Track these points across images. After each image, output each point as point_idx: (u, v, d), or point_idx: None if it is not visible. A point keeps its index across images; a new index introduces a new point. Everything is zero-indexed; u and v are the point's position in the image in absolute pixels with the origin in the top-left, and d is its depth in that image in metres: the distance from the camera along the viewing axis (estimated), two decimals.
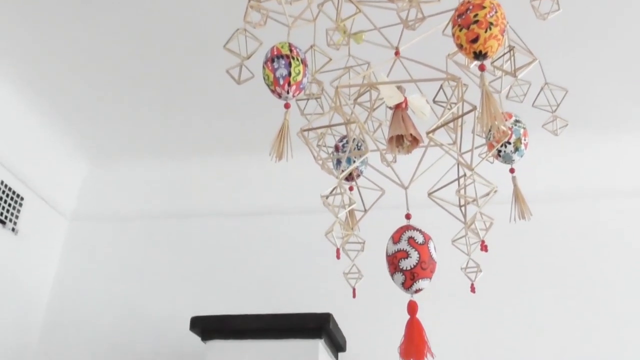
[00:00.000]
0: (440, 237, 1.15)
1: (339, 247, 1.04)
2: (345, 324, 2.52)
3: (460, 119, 1.03)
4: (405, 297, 1.02)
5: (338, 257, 1.03)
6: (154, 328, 2.84)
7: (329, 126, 1.10)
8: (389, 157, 1.19)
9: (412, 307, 0.97)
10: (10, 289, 2.73)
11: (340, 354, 2.61)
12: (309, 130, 1.06)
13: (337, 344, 2.45)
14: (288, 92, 1.04)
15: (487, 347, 2.61)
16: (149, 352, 2.79)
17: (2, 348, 2.65)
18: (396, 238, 0.99)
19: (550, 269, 2.72)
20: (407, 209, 1.05)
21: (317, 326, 2.17)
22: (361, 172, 1.29)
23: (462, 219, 1.11)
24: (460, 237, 1.16)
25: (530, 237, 2.75)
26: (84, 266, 3.09)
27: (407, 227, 1.00)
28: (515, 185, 1.19)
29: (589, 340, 2.56)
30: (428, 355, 0.94)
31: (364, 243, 1.23)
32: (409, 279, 0.96)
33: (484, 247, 1.08)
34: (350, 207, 1.05)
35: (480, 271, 1.18)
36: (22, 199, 2.83)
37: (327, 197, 0.99)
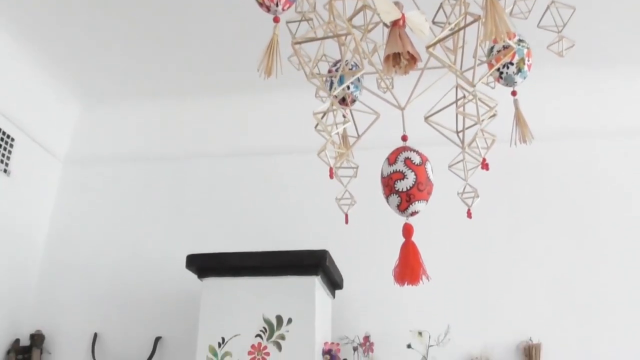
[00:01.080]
0: (436, 165, 1.11)
1: (332, 166, 0.99)
2: (342, 263, 2.52)
3: (461, 34, 0.97)
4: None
5: (331, 176, 0.99)
6: (151, 268, 2.85)
7: (322, 38, 1.03)
8: (387, 80, 1.13)
9: (407, 230, 0.94)
10: (6, 229, 2.72)
11: (337, 292, 2.62)
12: (301, 42, 0.99)
13: (333, 282, 2.45)
14: (277, 5, 0.97)
15: (482, 272, 2.63)
16: (146, 291, 2.81)
17: (1, 288, 2.65)
18: (392, 159, 0.95)
19: (543, 203, 2.73)
20: (404, 130, 1.01)
21: (313, 263, 2.16)
22: (356, 97, 1.24)
23: (460, 144, 1.07)
24: (458, 162, 1.12)
25: (525, 174, 2.75)
26: (79, 208, 3.07)
27: (404, 148, 0.96)
28: (517, 108, 1.14)
29: (581, 272, 2.58)
30: (423, 277, 0.91)
31: (357, 168, 1.19)
32: (405, 201, 0.93)
33: (484, 166, 1.04)
34: (344, 125, 1.00)
35: (477, 196, 1.15)
36: (12, 139, 2.78)
37: (320, 114, 0.94)
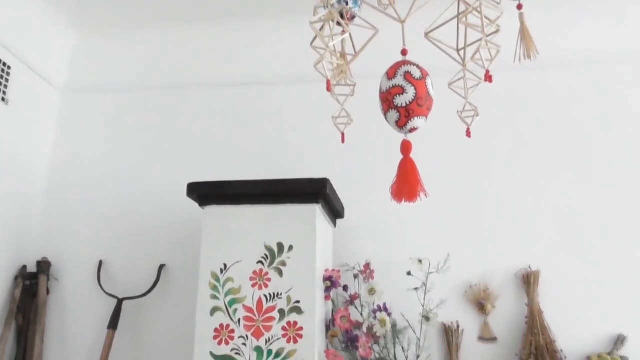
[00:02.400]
0: (436, 84, 1.08)
1: (329, 78, 0.96)
2: (343, 192, 2.53)
3: None
4: None
5: (328, 89, 0.96)
6: (154, 196, 2.86)
7: None
8: None
9: (405, 147, 0.92)
10: (7, 158, 2.71)
11: (338, 221, 2.64)
12: None
13: (334, 210, 2.46)
14: None
15: (483, 200, 2.64)
16: (150, 220, 2.83)
17: (4, 219, 2.68)
18: (391, 73, 0.92)
19: (548, 131, 2.70)
20: (404, 44, 0.96)
21: (314, 191, 2.16)
22: (355, 13, 1.19)
23: (460, 61, 1.03)
24: (458, 80, 1.08)
25: (532, 101, 2.71)
26: (79, 138, 3.06)
27: (404, 62, 0.92)
28: (522, 22, 1.09)
29: (582, 201, 2.58)
30: (421, 194, 0.90)
31: (354, 86, 1.15)
32: (404, 117, 0.90)
33: (488, 78, 1.00)
34: (343, 37, 0.96)
35: (477, 115, 1.12)
36: (9, 67, 2.73)
37: (316, 23, 0.90)
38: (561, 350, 2.38)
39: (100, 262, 2.82)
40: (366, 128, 2.69)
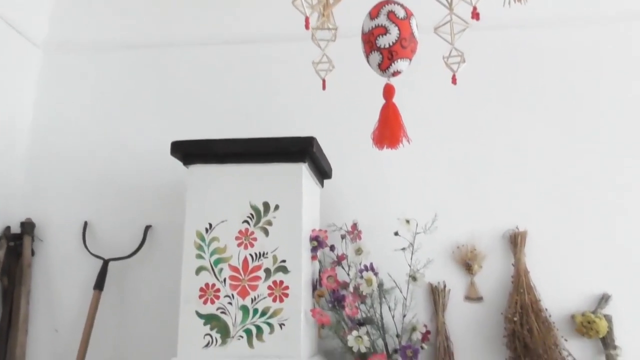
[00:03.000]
0: (421, 27, 1.03)
1: (308, 16, 0.91)
2: (331, 152, 2.49)
3: None
4: None
5: (307, 27, 0.91)
6: (138, 156, 2.82)
7: None
8: None
9: (388, 91, 0.88)
10: None
11: (325, 181, 2.61)
12: None
13: (321, 170, 2.43)
14: None
15: (471, 160, 2.63)
16: (135, 180, 2.79)
17: None
18: (374, 13, 0.87)
19: (537, 90, 2.68)
20: None
21: (300, 149, 2.12)
22: None
23: (447, 4, 0.98)
24: (444, 24, 1.03)
25: (521, 60, 2.68)
26: (62, 96, 2.98)
27: (387, 1, 0.88)
28: None
29: (570, 162, 2.57)
30: (403, 140, 0.86)
31: (335, 30, 1.10)
32: (387, 59, 0.86)
33: (475, 15, 0.95)
34: None
35: (464, 61, 1.08)
36: None
37: None
38: (546, 309, 2.39)
39: (86, 223, 2.79)
40: (354, 88, 2.65)
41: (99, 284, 2.63)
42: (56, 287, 2.74)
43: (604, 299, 2.41)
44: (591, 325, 2.32)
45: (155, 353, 2.09)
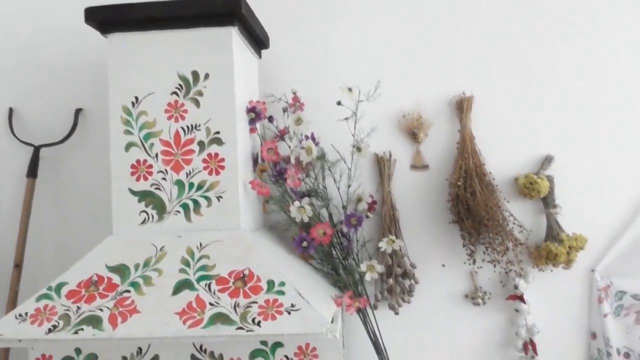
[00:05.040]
0: None
1: None
2: (268, 22, 2.33)
3: None
4: None
5: None
6: (57, 34, 2.59)
7: None
8: None
9: None
10: None
11: (263, 52, 2.46)
12: None
13: (256, 38, 2.27)
14: None
15: (415, 23, 2.51)
16: (57, 60, 2.60)
17: None
18: None
19: None
20: None
21: (227, 11, 1.95)
22: None
23: None
24: None
25: None
26: None
27: None
28: None
29: (521, 28, 2.47)
30: None
31: None
32: None
33: None
34: None
35: None
36: None
37: None
38: (490, 173, 2.39)
39: (11, 110, 2.61)
40: None
41: (32, 172, 2.51)
42: None
43: (547, 160, 2.42)
44: (533, 185, 2.33)
45: (94, 235, 2.02)
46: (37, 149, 2.53)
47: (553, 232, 2.34)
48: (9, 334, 1.69)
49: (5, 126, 2.60)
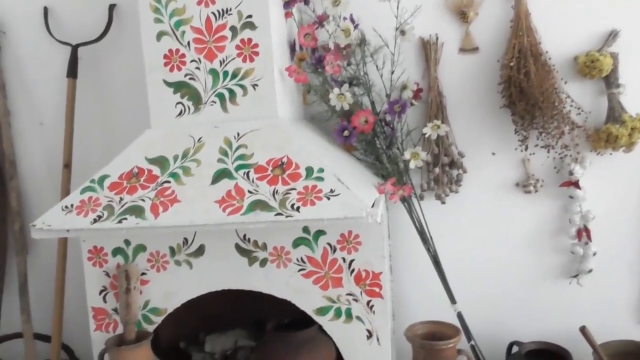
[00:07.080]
0: None
1: None
2: None
3: None
4: None
5: None
6: None
7: None
8: None
9: None
10: None
11: None
12: None
13: None
14: None
15: None
16: None
17: None
18: None
19: None
20: None
21: None
22: None
23: None
24: None
25: None
26: None
27: None
28: None
29: None
30: None
31: None
32: None
33: None
34: None
35: None
36: None
37: None
38: (546, 52, 2.20)
39: (45, 9, 2.56)
40: None
41: (72, 71, 2.49)
42: (29, 78, 2.62)
43: (611, 36, 2.20)
44: (594, 64, 2.14)
45: (138, 131, 2.01)
46: (74, 48, 2.50)
47: (615, 114, 2.16)
48: (57, 225, 1.74)
49: (41, 25, 2.56)
